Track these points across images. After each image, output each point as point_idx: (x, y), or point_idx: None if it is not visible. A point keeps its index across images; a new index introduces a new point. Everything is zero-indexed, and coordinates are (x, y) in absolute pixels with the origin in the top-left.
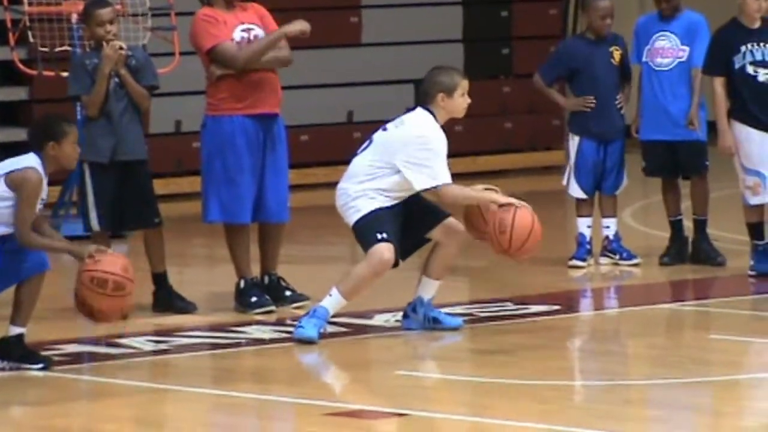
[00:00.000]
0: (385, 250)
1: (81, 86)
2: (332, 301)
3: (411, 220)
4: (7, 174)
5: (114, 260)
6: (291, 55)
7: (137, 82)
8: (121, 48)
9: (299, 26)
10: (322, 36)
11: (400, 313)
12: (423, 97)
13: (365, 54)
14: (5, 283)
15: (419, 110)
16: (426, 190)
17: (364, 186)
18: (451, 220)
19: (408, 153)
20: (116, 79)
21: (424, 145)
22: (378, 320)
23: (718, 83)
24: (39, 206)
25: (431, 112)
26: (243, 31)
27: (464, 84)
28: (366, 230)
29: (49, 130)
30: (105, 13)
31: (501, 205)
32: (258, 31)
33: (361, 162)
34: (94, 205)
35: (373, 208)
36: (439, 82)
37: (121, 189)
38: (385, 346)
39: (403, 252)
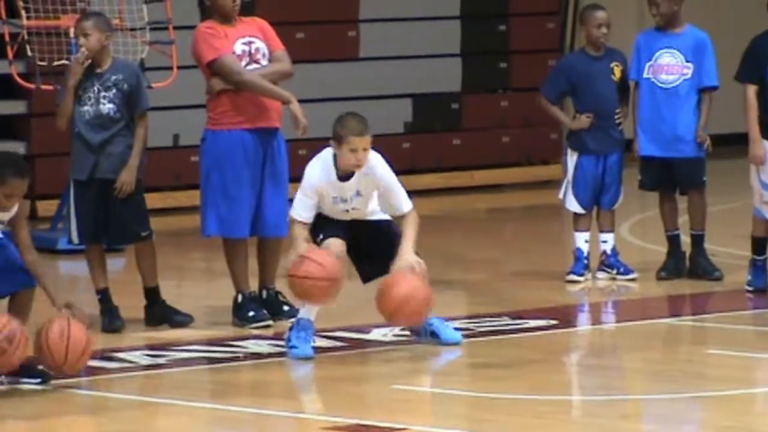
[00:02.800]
0: (330, 243)
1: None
2: (308, 309)
3: (376, 249)
4: None
5: None
6: (292, 69)
7: (132, 108)
8: (86, 60)
9: (300, 114)
10: (320, 50)
11: (398, 328)
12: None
13: (363, 68)
14: None
15: (327, 150)
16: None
17: None
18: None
19: None
20: (90, 110)
21: (304, 180)
22: (375, 334)
23: (751, 90)
24: None
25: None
26: (244, 44)
27: (353, 141)
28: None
29: None
30: (80, 26)
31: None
32: (259, 44)
33: None
34: (75, 220)
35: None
36: (333, 129)
37: (106, 204)
38: (382, 360)
39: (366, 276)
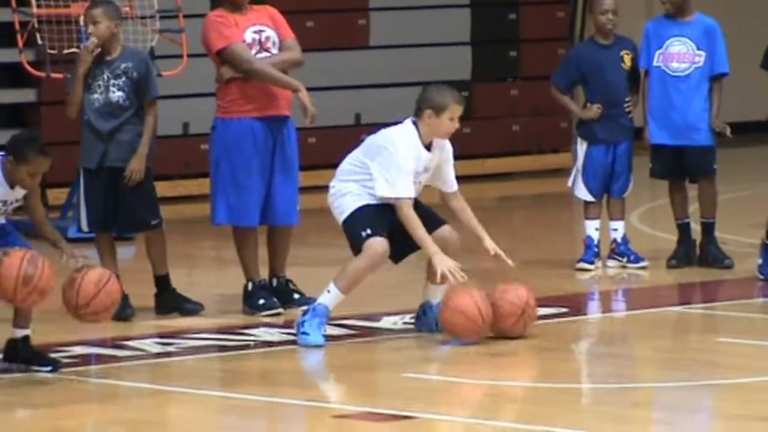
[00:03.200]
0: (376, 243)
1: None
2: (331, 297)
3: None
4: None
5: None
6: (302, 57)
7: (141, 96)
8: (95, 49)
9: (309, 103)
10: (330, 38)
11: (408, 316)
12: (415, 110)
13: (373, 56)
14: None
15: (406, 122)
16: (386, 198)
17: (348, 185)
18: (445, 228)
19: (379, 160)
20: (100, 97)
21: (392, 155)
22: (386, 323)
23: None
24: (9, 207)
25: (417, 127)
26: (254, 32)
27: (455, 109)
28: (352, 229)
29: (17, 147)
30: (89, 14)
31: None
32: (269, 33)
33: (347, 160)
34: (85, 208)
35: (358, 206)
36: (430, 99)
37: (115, 193)
38: (392, 349)
39: (397, 255)
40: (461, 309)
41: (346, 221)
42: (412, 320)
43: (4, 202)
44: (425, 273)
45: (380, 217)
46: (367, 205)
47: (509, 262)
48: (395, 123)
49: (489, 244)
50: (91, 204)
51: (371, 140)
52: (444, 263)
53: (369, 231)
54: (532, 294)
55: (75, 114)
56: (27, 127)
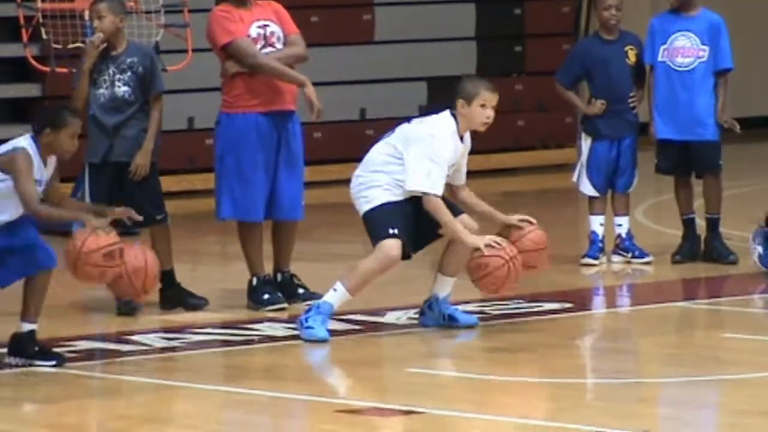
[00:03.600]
0: (394, 246)
1: (76, 84)
2: (337, 296)
3: (425, 215)
4: None
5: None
6: (306, 52)
7: (147, 91)
8: (101, 44)
9: (314, 97)
10: (335, 33)
11: (413, 311)
12: (451, 102)
13: (378, 51)
14: (12, 277)
15: (446, 112)
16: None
17: (378, 176)
18: (464, 217)
19: (416, 149)
20: (105, 92)
21: (432, 146)
22: (390, 318)
23: None
24: (40, 186)
25: (456, 119)
26: (259, 27)
27: (486, 96)
28: (377, 222)
29: (51, 117)
30: (95, 8)
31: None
32: (274, 27)
33: (378, 150)
34: (90, 203)
35: (385, 201)
36: (462, 89)
37: (120, 188)
38: (397, 344)
39: (414, 245)
40: (486, 263)
41: (371, 212)
42: (417, 315)
43: (39, 182)
44: (434, 267)
45: (404, 217)
46: (392, 202)
47: (533, 221)
48: (400, 118)
49: (509, 218)
50: (96, 198)
51: (409, 129)
52: (483, 239)
53: (396, 230)
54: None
55: (81, 108)
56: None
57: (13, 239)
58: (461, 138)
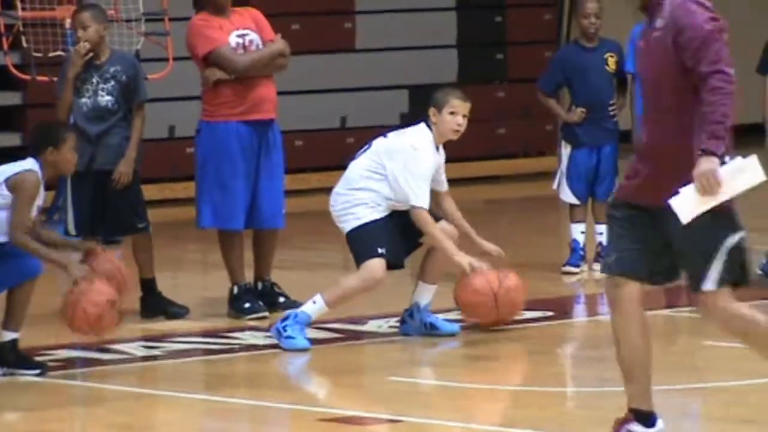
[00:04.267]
0: (379, 267)
1: (59, 93)
2: (315, 308)
3: (405, 224)
4: (6, 180)
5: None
6: (288, 49)
7: (130, 99)
8: (87, 53)
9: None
10: (316, 41)
11: (394, 319)
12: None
13: (359, 59)
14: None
15: (421, 124)
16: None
17: (361, 193)
18: (443, 224)
19: (400, 162)
20: (88, 101)
21: (417, 160)
22: (371, 326)
23: None
24: (34, 212)
25: (431, 129)
26: (238, 36)
27: (455, 103)
28: (363, 241)
29: (49, 135)
30: (78, 18)
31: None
32: (253, 36)
33: (358, 165)
34: (72, 211)
35: (372, 219)
36: (434, 98)
37: (102, 196)
38: (378, 352)
39: (398, 256)
40: (474, 288)
41: (356, 230)
42: (398, 324)
43: (38, 206)
44: (415, 274)
45: (389, 235)
46: (378, 219)
47: (502, 254)
48: (381, 126)
49: (486, 246)
50: (78, 207)
51: (389, 143)
52: (467, 258)
53: (382, 250)
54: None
55: (65, 117)
56: (12, 129)
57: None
58: (437, 148)
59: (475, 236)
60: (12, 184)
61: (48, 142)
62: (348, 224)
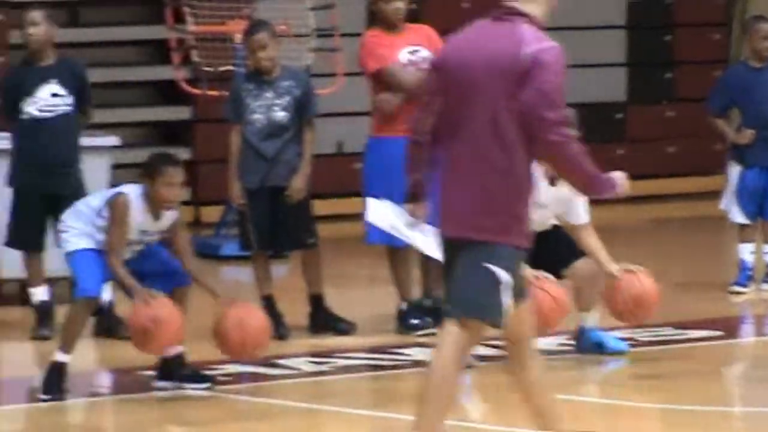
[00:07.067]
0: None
1: (230, 113)
2: None
3: (552, 252)
4: (107, 201)
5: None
6: None
7: (302, 114)
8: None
9: None
10: None
11: (565, 336)
12: None
13: None
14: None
15: None
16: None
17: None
18: (582, 262)
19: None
20: (261, 117)
21: None
22: (542, 343)
23: None
24: (136, 236)
25: None
26: (409, 52)
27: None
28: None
29: (147, 166)
30: (258, 39)
31: None
32: (425, 53)
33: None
34: (251, 227)
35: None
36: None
37: (275, 211)
38: (548, 369)
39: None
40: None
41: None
42: (571, 341)
43: (145, 232)
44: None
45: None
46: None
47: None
48: None
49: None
50: (257, 223)
51: None
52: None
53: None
54: None
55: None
56: (181, 144)
57: (144, 264)
58: None
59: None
60: (107, 205)
61: (145, 173)
62: None
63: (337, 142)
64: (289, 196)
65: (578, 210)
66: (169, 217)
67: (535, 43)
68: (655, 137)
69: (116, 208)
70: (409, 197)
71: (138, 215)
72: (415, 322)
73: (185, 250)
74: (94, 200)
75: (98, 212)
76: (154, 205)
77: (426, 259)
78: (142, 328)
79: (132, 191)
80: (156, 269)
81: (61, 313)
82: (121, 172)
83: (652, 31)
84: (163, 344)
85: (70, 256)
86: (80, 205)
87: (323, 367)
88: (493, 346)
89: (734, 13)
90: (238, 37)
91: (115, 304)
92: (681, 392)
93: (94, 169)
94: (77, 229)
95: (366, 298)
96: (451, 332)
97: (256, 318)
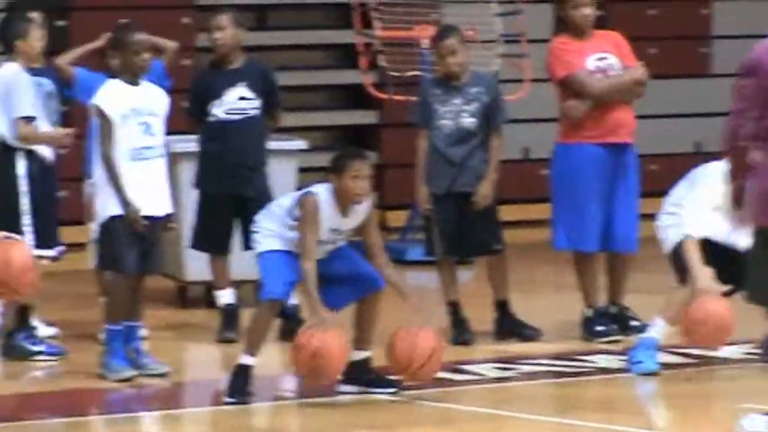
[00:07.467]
0: (709, 275)
1: (419, 118)
2: (659, 330)
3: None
4: (297, 201)
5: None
6: (645, 77)
7: (490, 120)
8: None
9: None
10: (671, 65)
11: (750, 345)
12: None
13: (714, 84)
14: (342, 302)
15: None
16: None
17: (676, 217)
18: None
19: (692, 192)
20: (450, 123)
21: (706, 194)
22: (725, 352)
23: None
24: (327, 235)
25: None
26: (597, 59)
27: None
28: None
29: (334, 162)
30: (448, 44)
31: None
32: (613, 60)
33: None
34: (438, 232)
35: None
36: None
37: (461, 217)
38: (729, 378)
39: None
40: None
41: (677, 248)
42: (756, 350)
43: (335, 231)
44: None
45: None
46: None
47: None
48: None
49: None
50: (444, 228)
51: (698, 172)
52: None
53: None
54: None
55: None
56: (368, 148)
57: (334, 266)
58: None
59: None
60: (297, 204)
61: (331, 169)
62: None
63: (523, 148)
64: (476, 202)
65: None
66: (359, 212)
67: None
68: None
69: (306, 207)
70: (734, 203)
71: (328, 213)
72: (601, 329)
73: (377, 245)
74: (286, 200)
75: (289, 212)
76: (343, 200)
77: (612, 267)
78: (307, 364)
79: (321, 190)
80: (348, 272)
81: (246, 316)
82: (308, 176)
83: None
84: (329, 378)
85: (260, 256)
86: (273, 206)
87: (508, 373)
88: (677, 354)
89: None
90: (425, 42)
91: (300, 308)
92: None
93: (282, 172)
94: (269, 230)
95: (551, 304)
96: None
97: (426, 338)
